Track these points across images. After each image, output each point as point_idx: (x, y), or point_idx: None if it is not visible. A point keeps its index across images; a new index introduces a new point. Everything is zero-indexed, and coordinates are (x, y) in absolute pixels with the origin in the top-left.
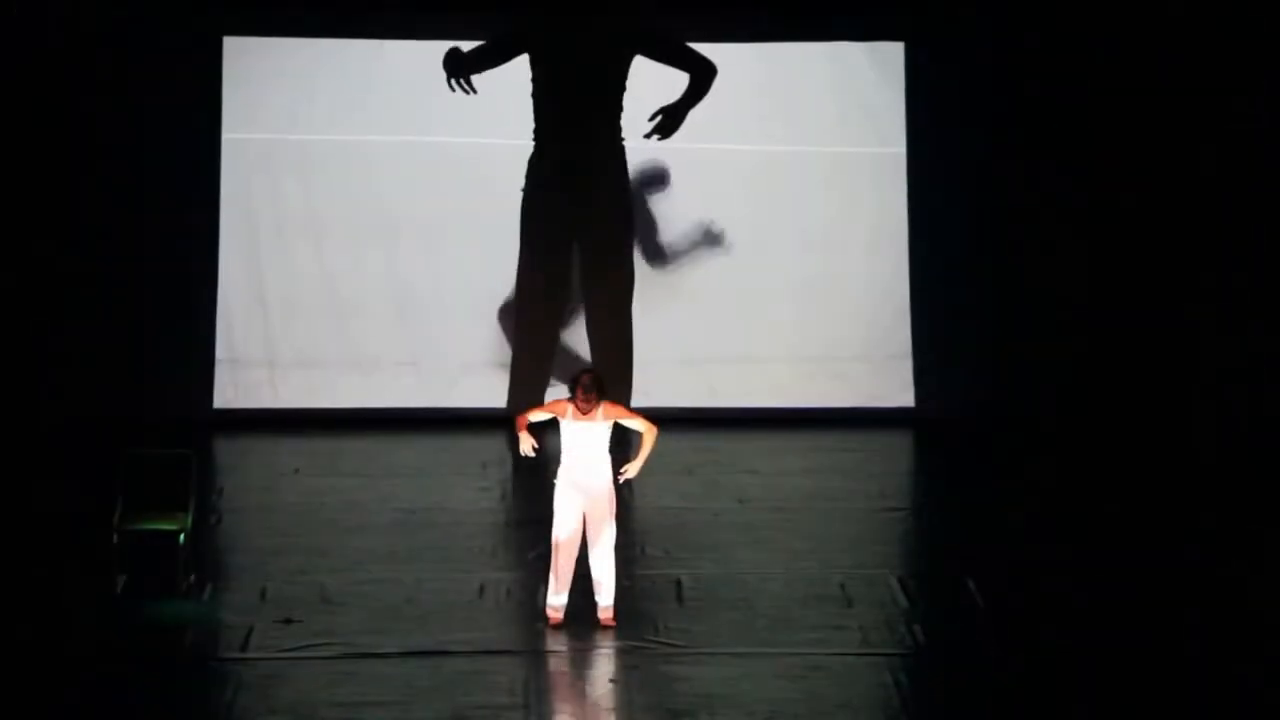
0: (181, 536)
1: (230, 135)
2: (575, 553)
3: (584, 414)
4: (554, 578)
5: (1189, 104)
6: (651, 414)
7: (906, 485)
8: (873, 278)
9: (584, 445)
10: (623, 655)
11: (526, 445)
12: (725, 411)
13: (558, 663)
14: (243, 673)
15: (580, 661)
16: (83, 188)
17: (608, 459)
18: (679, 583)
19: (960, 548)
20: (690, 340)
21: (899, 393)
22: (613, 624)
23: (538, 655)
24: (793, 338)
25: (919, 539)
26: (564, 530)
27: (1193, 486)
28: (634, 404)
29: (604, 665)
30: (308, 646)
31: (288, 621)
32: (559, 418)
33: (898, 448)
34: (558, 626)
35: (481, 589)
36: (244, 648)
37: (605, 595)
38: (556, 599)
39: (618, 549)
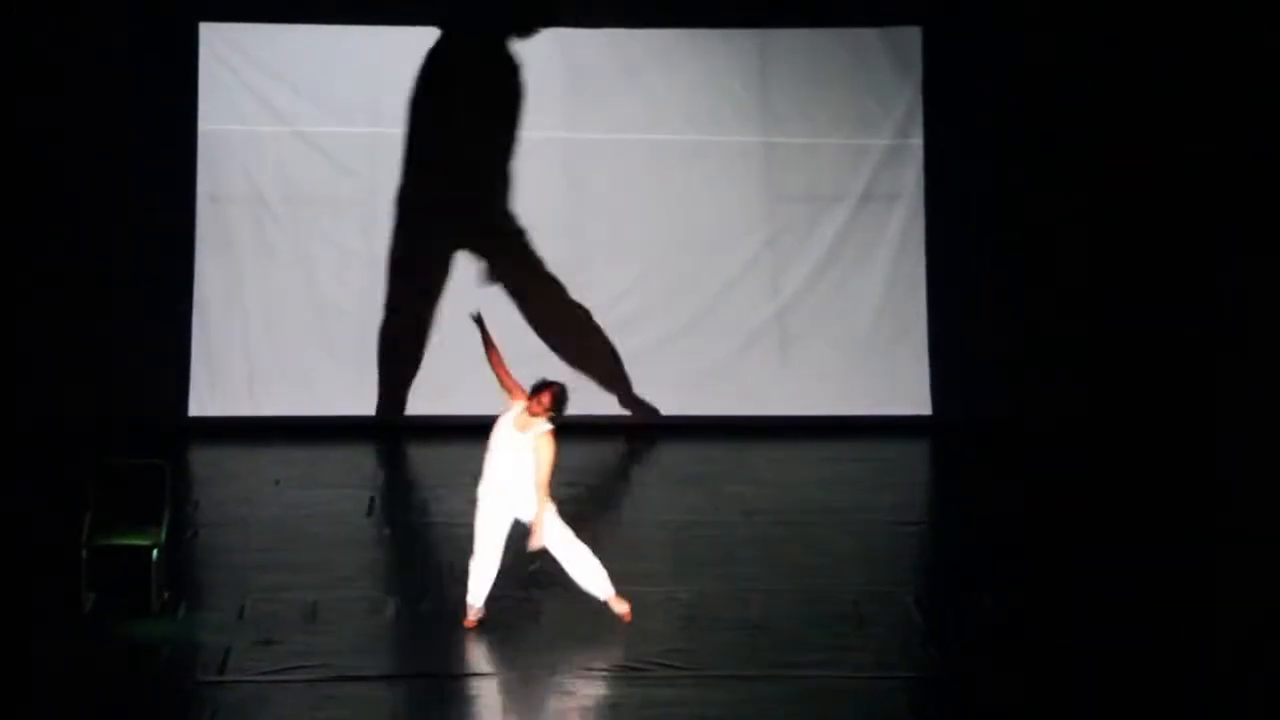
0: (155, 552)
1: (207, 127)
2: (495, 560)
3: (527, 416)
4: (470, 579)
5: (1221, 99)
6: (658, 421)
7: (922, 497)
8: (888, 278)
9: (504, 451)
10: (622, 678)
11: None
12: (731, 420)
13: (553, 686)
14: (220, 696)
15: (577, 684)
16: (50, 183)
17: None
18: (681, 600)
19: (979, 564)
20: (693, 345)
21: (915, 400)
22: (627, 611)
23: (531, 677)
24: (801, 341)
25: (935, 555)
26: (482, 537)
27: (1224, 495)
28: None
29: (602, 688)
30: (288, 669)
31: (267, 642)
32: (506, 403)
33: (913, 458)
34: (474, 629)
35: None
36: (221, 670)
37: (604, 590)
38: (471, 599)
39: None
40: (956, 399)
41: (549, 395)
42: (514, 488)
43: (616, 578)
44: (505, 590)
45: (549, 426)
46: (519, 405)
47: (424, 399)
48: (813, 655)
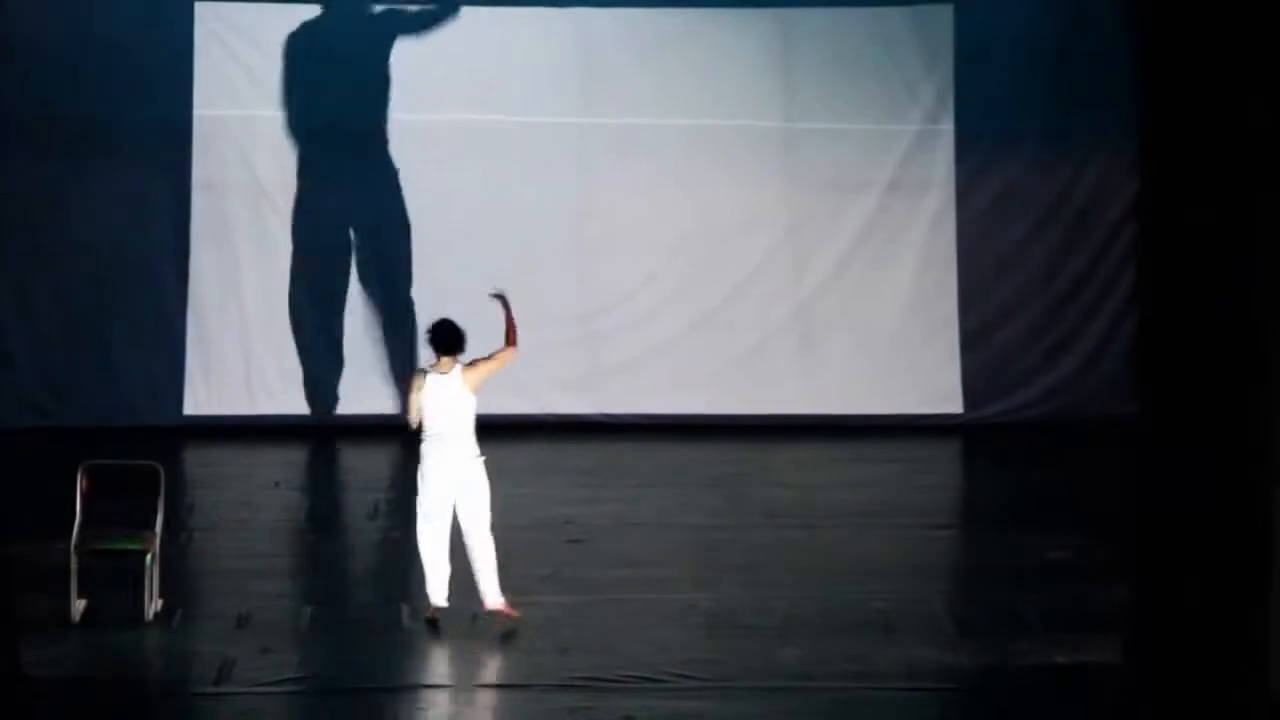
0: (148, 557)
1: (203, 112)
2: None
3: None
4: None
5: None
6: (675, 420)
7: (955, 500)
8: (917, 270)
9: (438, 401)
10: (639, 689)
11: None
12: (752, 419)
13: (569, 698)
14: (217, 709)
15: (595, 696)
16: (38, 168)
17: (468, 427)
18: (702, 608)
19: (1012, 569)
20: (711, 340)
21: (945, 398)
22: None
23: (546, 689)
24: (825, 336)
25: (967, 559)
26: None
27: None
28: (653, 410)
29: (619, 700)
30: (289, 680)
31: (266, 651)
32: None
33: (945, 458)
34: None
35: (482, 616)
36: (218, 681)
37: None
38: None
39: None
40: (989, 397)
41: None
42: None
43: (634, 584)
44: (517, 596)
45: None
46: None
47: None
48: (839, 665)
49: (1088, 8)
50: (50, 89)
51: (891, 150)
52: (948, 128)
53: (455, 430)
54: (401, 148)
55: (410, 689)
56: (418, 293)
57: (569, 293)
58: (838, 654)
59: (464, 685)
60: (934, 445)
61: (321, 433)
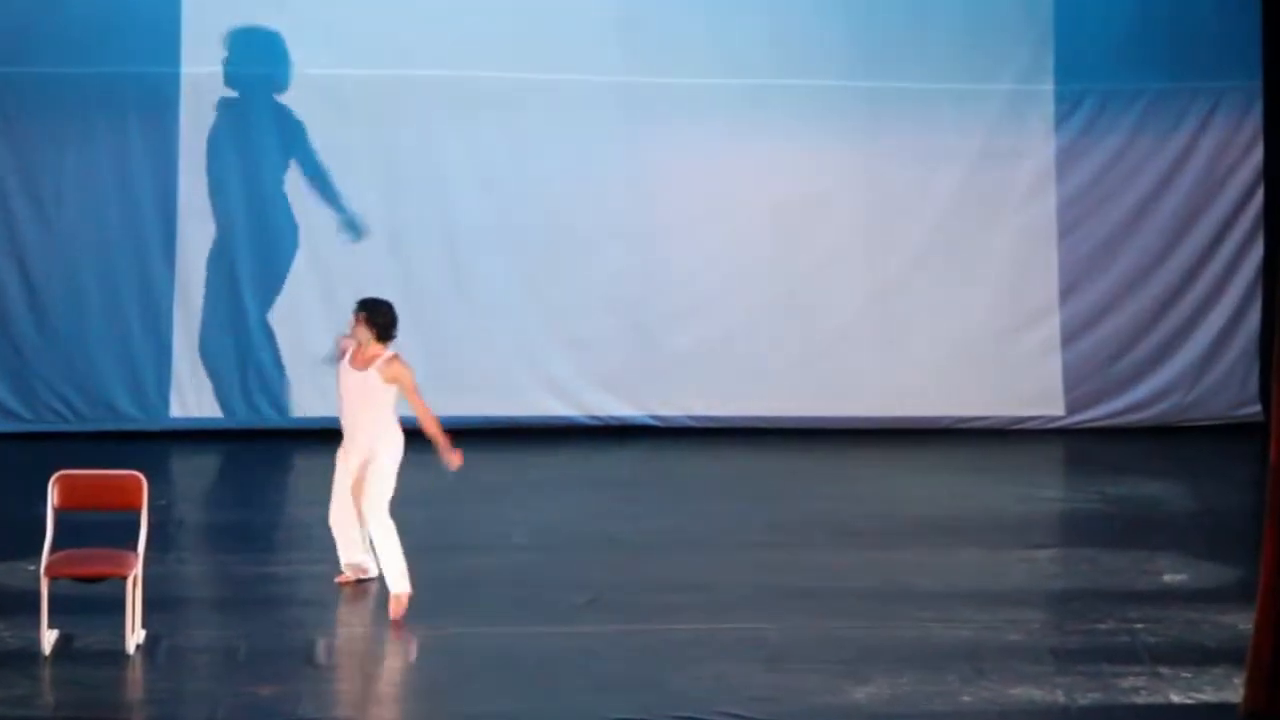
0: (129, 581)
1: (192, 69)
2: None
3: (361, 350)
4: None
5: None
6: (734, 423)
7: (1053, 514)
8: (1011, 254)
9: (350, 398)
10: None
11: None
12: (823, 421)
13: None
14: None
15: None
16: (5, 139)
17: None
18: (765, 638)
19: (1121, 593)
20: (777, 333)
21: (1044, 399)
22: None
23: None
24: (910, 328)
25: (1068, 582)
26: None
27: None
28: (708, 412)
29: None
30: None
31: (264, 688)
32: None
33: (1043, 467)
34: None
35: (511, 648)
36: None
37: (398, 582)
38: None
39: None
40: (1094, 398)
41: (363, 316)
42: (357, 434)
43: (684, 610)
44: (550, 624)
45: (390, 351)
46: (351, 345)
47: (435, 399)
48: (920, 705)
49: None
50: (24, 47)
51: (982, 114)
52: (1046, 88)
53: None
54: (420, 108)
55: None
56: (438, 273)
57: (613, 278)
58: (918, 692)
59: None
60: (1030, 452)
61: (321, 437)
